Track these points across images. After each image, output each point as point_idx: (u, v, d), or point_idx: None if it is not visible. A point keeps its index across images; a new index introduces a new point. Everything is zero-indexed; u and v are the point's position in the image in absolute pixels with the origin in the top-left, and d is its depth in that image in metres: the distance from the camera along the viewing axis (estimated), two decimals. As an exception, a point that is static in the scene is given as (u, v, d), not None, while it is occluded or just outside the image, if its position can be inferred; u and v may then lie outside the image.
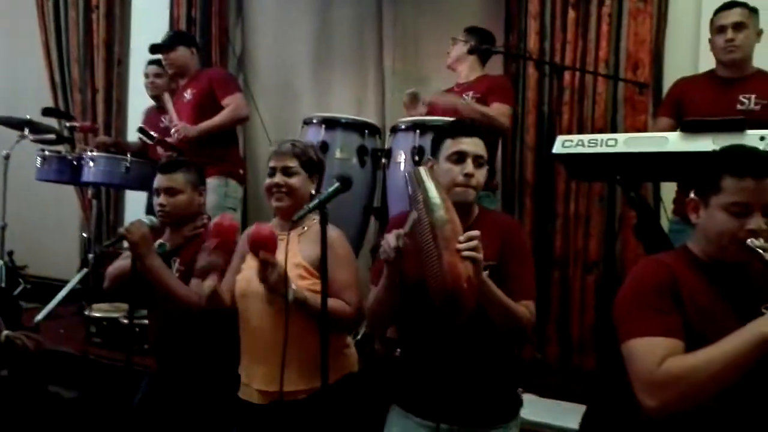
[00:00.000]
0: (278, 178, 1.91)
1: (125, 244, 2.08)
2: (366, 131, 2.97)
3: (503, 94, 3.05)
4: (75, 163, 3.75)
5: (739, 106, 2.51)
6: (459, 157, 1.70)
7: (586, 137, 2.28)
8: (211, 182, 3.27)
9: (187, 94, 3.39)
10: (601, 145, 2.23)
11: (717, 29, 2.58)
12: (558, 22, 3.32)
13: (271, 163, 1.95)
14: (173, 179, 2.18)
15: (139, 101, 4.28)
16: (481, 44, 3.11)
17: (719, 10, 2.59)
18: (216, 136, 3.30)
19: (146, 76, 3.87)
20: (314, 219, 1.81)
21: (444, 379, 1.65)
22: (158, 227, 2.18)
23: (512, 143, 3.43)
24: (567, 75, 3.21)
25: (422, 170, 1.55)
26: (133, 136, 4.08)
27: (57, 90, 4.89)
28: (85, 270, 3.79)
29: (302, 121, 3.08)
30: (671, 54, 3.16)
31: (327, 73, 4.23)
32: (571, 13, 3.27)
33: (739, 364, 1.19)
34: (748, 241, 1.30)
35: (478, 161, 1.70)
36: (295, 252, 1.85)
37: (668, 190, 2.82)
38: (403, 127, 2.85)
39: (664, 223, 2.64)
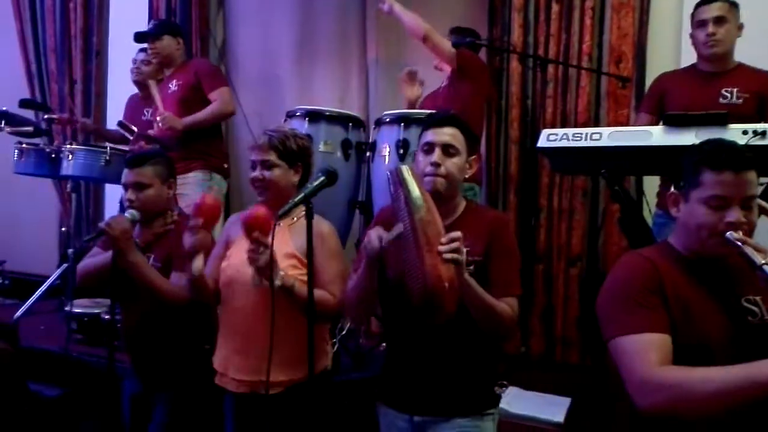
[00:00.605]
0: (257, 173, 1.90)
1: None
2: (350, 124, 2.94)
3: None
4: (53, 156, 3.68)
5: (721, 100, 2.53)
6: (428, 148, 1.70)
7: (570, 131, 2.29)
8: (196, 176, 3.25)
9: (173, 86, 3.33)
10: (586, 139, 2.23)
11: (698, 23, 2.59)
12: (542, 16, 3.32)
13: (252, 157, 1.93)
14: (141, 173, 2.14)
15: (118, 92, 4.20)
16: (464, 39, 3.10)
17: (700, 4, 2.61)
18: (200, 129, 3.25)
19: (133, 62, 3.80)
20: (304, 210, 1.80)
21: (421, 373, 1.66)
22: (139, 221, 2.14)
23: (496, 137, 3.43)
24: (550, 68, 3.22)
25: (404, 169, 1.53)
26: (112, 128, 4.00)
27: (34, 81, 4.79)
28: (65, 265, 3.73)
29: (285, 113, 3.05)
30: (654, 48, 3.18)
31: (310, 63, 4.19)
32: (555, 7, 3.28)
33: (732, 395, 1.17)
34: (728, 234, 1.31)
35: (447, 150, 1.68)
36: (287, 242, 1.85)
37: (651, 183, 2.84)
38: (387, 120, 2.84)
39: (647, 216, 2.66)
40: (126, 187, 2.16)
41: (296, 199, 1.66)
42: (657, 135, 2.14)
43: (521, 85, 3.36)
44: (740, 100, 2.52)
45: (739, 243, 1.29)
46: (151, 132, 3.23)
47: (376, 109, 3.84)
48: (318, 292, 1.74)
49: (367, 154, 2.95)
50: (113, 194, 4.28)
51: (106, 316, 3.07)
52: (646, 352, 1.26)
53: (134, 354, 2.22)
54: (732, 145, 1.40)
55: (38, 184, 4.46)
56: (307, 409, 1.75)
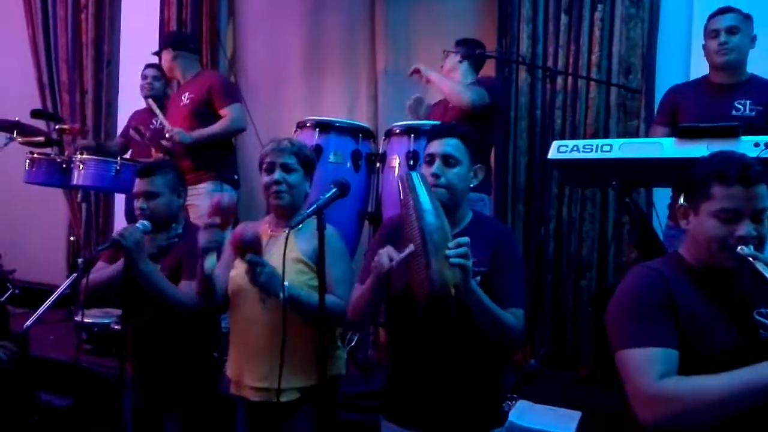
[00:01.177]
0: (277, 175, 1.89)
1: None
2: (360, 135, 2.95)
3: (485, 80, 3.09)
4: (64, 166, 3.71)
5: (734, 112, 2.51)
6: (430, 159, 1.71)
7: (581, 142, 2.27)
8: (207, 187, 3.25)
9: (185, 98, 3.35)
10: (597, 151, 2.22)
11: (711, 33, 2.59)
12: (551, 27, 3.34)
13: (269, 158, 1.91)
14: (151, 183, 2.19)
15: (129, 102, 4.24)
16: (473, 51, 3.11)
17: (713, 15, 2.60)
18: (211, 142, 3.27)
19: (143, 77, 3.84)
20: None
21: (426, 388, 1.65)
22: (151, 232, 2.16)
23: (505, 148, 3.43)
24: (559, 79, 3.22)
25: (414, 175, 1.54)
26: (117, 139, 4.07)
27: (45, 91, 4.83)
28: (75, 275, 3.74)
29: (296, 124, 3.06)
30: (663, 59, 3.18)
31: (319, 74, 4.20)
32: (564, 18, 3.29)
33: (735, 403, 1.18)
34: (738, 249, 1.30)
35: (447, 161, 1.68)
36: (292, 247, 1.84)
37: (661, 195, 2.83)
38: (397, 131, 2.84)
39: (657, 229, 2.65)
40: (137, 196, 2.20)
41: (309, 210, 1.66)
42: (668, 147, 2.13)
43: (530, 97, 3.37)
44: (753, 113, 2.51)
45: (750, 258, 1.29)
46: (163, 142, 3.25)
47: (385, 120, 3.85)
48: (327, 298, 1.73)
49: (377, 165, 2.95)
50: (123, 204, 4.31)
51: (116, 326, 3.07)
52: (650, 366, 1.26)
53: (142, 365, 2.22)
54: (742, 158, 1.38)
55: (49, 194, 4.49)
56: (318, 414, 1.74)
